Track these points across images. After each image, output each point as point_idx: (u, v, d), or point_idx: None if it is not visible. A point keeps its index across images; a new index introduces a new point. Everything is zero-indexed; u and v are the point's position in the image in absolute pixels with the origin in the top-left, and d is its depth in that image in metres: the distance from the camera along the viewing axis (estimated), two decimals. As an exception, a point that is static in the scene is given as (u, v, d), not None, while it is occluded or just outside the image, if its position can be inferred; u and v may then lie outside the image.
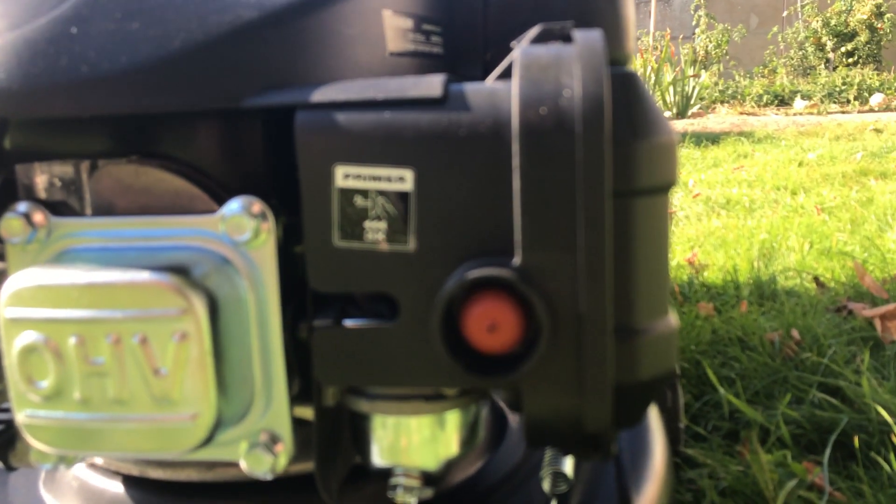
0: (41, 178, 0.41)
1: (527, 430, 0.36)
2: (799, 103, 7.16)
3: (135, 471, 0.54)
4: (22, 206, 0.38)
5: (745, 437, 0.96)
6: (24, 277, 0.35)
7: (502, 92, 0.34)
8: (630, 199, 0.33)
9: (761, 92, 7.80)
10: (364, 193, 0.35)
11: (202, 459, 0.44)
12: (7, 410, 0.51)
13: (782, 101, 7.67)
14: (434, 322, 0.34)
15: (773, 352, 1.21)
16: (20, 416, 0.36)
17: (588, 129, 0.31)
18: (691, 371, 1.18)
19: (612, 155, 0.32)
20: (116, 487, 0.55)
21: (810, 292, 1.56)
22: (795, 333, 1.26)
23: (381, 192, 0.34)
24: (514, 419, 0.67)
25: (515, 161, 0.32)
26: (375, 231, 0.35)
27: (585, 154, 0.31)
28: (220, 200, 0.41)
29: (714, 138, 4.51)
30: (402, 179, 0.34)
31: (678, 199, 2.69)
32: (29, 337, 0.35)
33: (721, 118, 6.21)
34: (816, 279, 1.62)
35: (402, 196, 0.34)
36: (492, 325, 0.33)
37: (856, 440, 0.91)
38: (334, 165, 0.34)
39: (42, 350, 0.35)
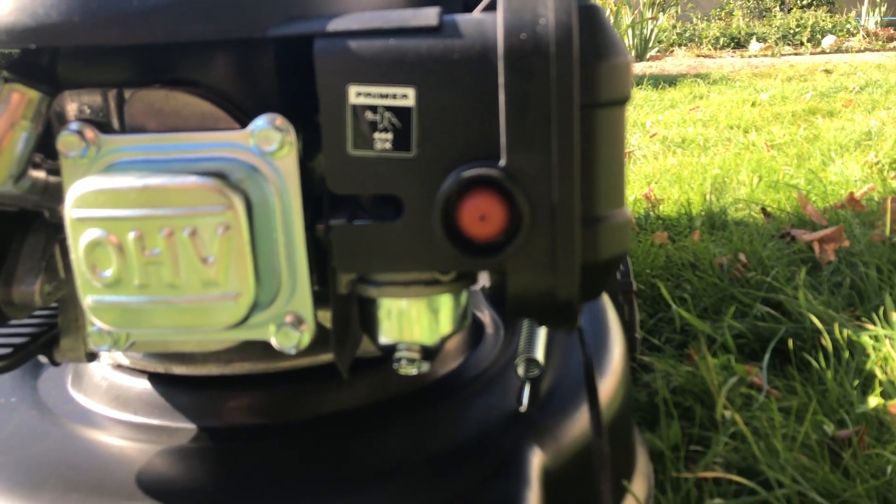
0: (84, 103, 0.47)
1: (509, 303, 0.44)
2: (754, 45, 7.27)
3: (160, 368, 0.61)
4: (74, 125, 0.44)
5: (693, 346, 1.06)
6: (89, 183, 0.41)
7: (488, 21, 0.41)
8: (593, 110, 0.40)
9: (718, 35, 7.89)
10: (373, 109, 0.41)
11: (236, 340, 0.51)
12: (53, 314, 0.57)
13: (738, 43, 7.78)
14: (436, 214, 0.41)
15: (722, 273, 1.31)
16: (86, 301, 0.43)
17: (560, 51, 0.38)
18: (647, 292, 1.28)
19: (579, 73, 0.39)
20: (142, 384, 0.62)
21: (758, 222, 1.68)
22: (742, 257, 1.37)
23: (388, 108, 0.41)
24: (489, 326, 0.76)
25: (500, 79, 0.39)
26: (383, 141, 0.42)
27: (558, 72, 0.38)
28: (241, 121, 0.47)
29: (671, 80, 4.60)
30: (406, 96, 0.41)
31: (636, 139, 2.78)
32: (93, 234, 0.42)
33: (678, 61, 6.29)
34: (764, 210, 1.73)
35: (406, 111, 0.41)
36: (482, 216, 0.41)
37: (790, 342, 1.02)
38: (348, 85, 0.41)
39: (105, 244, 0.42)
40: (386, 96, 0.41)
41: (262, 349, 0.60)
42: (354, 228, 0.43)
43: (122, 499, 0.51)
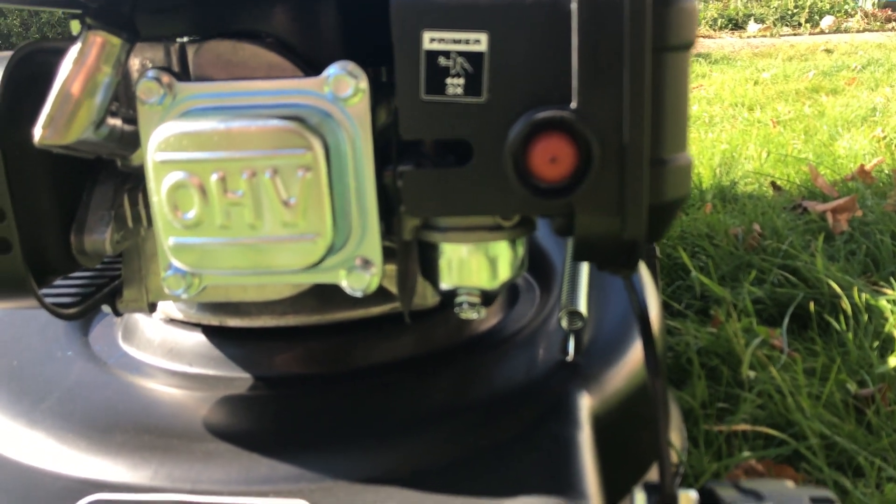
0: (155, 55, 0.48)
1: (576, 245, 0.45)
2: (752, 26, 7.26)
3: (214, 321, 0.63)
4: (152, 72, 0.45)
5: (715, 311, 1.08)
6: (172, 127, 0.43)
7: (560, -32, 0.42)
8: (662, 53, 0.42)
9: (716, 15, 7.88)
10: (446, 54, 0.43)
11: (308, 283, 0.52)
12: (116, 265, 0.59)
13: (736, 24, 7.77)
14: (507, 157, 0.43)
15: (738, 243, 1.33)
16: (167, 242, 0.45)
17: (633, -5, 0.39)
18: (665, 262, 1.30)
19: (651, 17, 0.40)
20: (196, 337, 0.64)
21: (768, 195, 1.69)
22: (757, 227, 1.39)
23: (461, 53, 0.43)
24: (523, 286, 0.78)
25: (574, 23, 0.40)
26: (455, 86, 0.43)
27: (631, 15, 0.40)
28: (305, 71, 0.48)
29: (672, 60, 4.59)
30: (478, 41, 0.42)
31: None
32: (176, 176, 0.43)
33: (678, 41, 6.27)
34: (773, 183, 1.75)
35: (478, 56, 0.43)
36: (553, 158, 0.42)
37: (811, 305, 1.04)
38: (422, 31, 0.42)
39: (188, 186, 0.43)
40: (459, 41, 0.42)
41: (313, 302, 0.61)
42: (425, 173, 0.45)
43: (191, 441, 0.52)
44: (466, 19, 0.42)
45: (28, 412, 0.56)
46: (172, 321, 0.65)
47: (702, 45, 5.82)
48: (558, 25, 0.41)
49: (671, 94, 0.43)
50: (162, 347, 0.65)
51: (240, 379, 0.61)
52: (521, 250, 0.52)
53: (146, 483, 0.49)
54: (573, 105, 0.42)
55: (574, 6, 0.40)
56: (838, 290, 1.07)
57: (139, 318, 0.67)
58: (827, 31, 6.70)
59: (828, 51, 4.76)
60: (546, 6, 0.41)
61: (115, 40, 0.43)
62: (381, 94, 0.49)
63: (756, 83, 3.51)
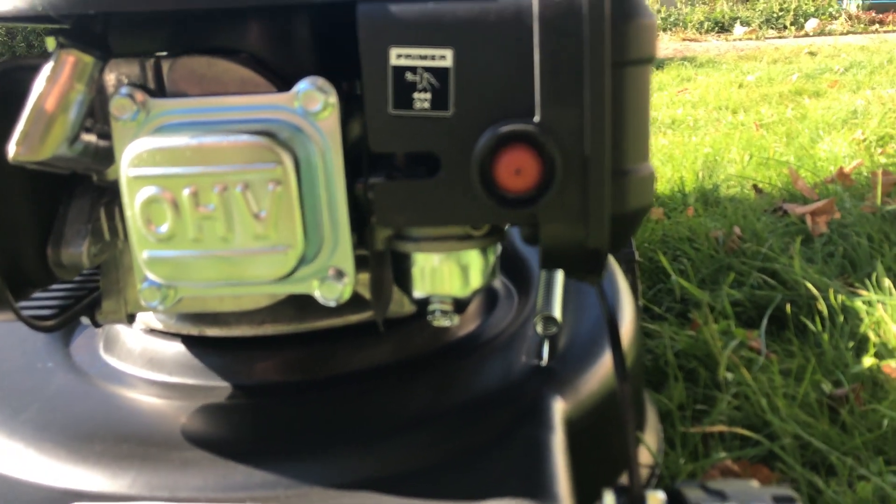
0: (130, 70, 0.49)
1: (542, 254, 0.46)
2: (738, 29, 7.32)
3: (193, 331, 0.63)
4: (125, 89, 0.46)
5: (694, 314, 1.10)
6: (145, 143, 0.44)
7: (522, -15, 0.43)
8: (622, 68, 0.43)
9: (702, 19, 7.94)
10: (413, 70, 0.44)
11: (281, 294, 0.53)
12: (94, 278, 0.59)
13: (722, 27, 7.83)
14: (474, 169, 0.44)
15: (718, 246, 1.35)
16: (141, 256, 0.45)
17: (592, 12, 0.41)
18: (646, 265, 1.31)
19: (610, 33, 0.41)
20: (175, 347, 0.64)
21: (750, 198, 1.71)
22: (737, 230, 1.40)
23: (427, 69, 0.44)
24: (502, 292, 0.79)
25: (535, 39, 0.42)
26: (422, 101, 0.44)
27: (591, 32, 0.41)
28: (278, 86, 0.49)
29: (658, 64, 4.63)
30: (444, 57, 0.44)
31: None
32: (149, 191, 0.44)
33: (664, 44, 6.33)
34: (755, 186, 1.77)
35: (444, 71, 0.44)
36: (518, 170, 0.44)
37: (788, 307, 1.06)
38: (389, 47, 0.43)
39: (161, 201, 0.44)
40: (425, 57, 0.44)
41: (291, 311, 0.62)
42: (395, 185, 0.46)
43: (169, 449, 0.53)
44: (432, 36, 0.43)
45: (7, 422, 0.56)
46: (153, 331, 0.66)
47: (687, 48, 5.86)
48: (521, 41, 0.43)
49: (631, 107, 0.44)
50: (142, 357, 0.65)
51: (219, 387, 0.61)
52: (491, 258, 0.53)
53: (125, 491, 0.50)
54: (536, 118, 0.43)
55: (535, 23, 0.42)
56: (815, 291, 1.09)
57: (120, 329, 0.68)
58: (811, 33, 6.77)
59: (811, 53, 4.80)
60: (508, 23, 0.43)
61: (88, 58, 0.44)
62: (352, 107, 0.50)
63: (740, 86, 3.54)
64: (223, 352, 0.63)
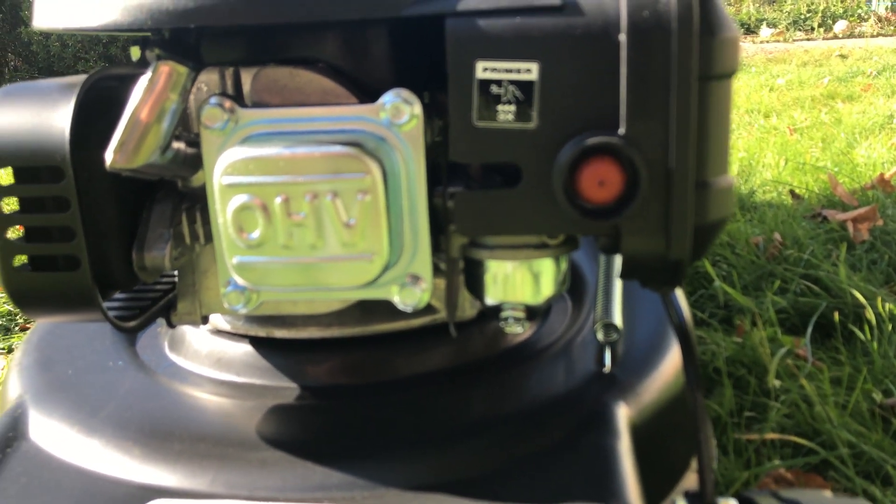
0: (209, 80, 0.51)
1: (623, 265, 0.47)
2: (765, 31, 7.26)
3: (261, 332, 0.65)
4: (215, 98, 0.47)
5: (739, 321, 1.10)
6: (238, 152, 0.45)
7: (608, 1, 0.44)
8: (707, 82, 0.43)
9: (729, 20, 7.87)
10: (498, 83, 0.45)
11: (361, 298, 0.54)
12: (170, 279, 0.61)
13: (749, 29, 7.77)
14: (557, 180, 0.45)
15: (759, 252, 1.34)
16: (231, 261, 0.47)
17: (681, 26, 0.41)
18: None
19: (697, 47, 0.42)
20: (243, 348, 0.66)
21: (787, 203, 1.71)
22: (777, 236, 1.40)
23: (512, 82, 0.45)
24: (557, 301, 0.79)
25: (623, 53, 0.42)
26: (506, 113, 0.45)
27: (679, 46, 0.42)
28: (358, 97, 0.50)
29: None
30: (529, 71, 0.44)
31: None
32: (242, 199, 0.45)
33: (691, 46, 6.28)
34: (792, 192, 1.76)
35: (529, 84, 0.45)
36: (601, 181, 0.44)
37: (836, 315, 1.05)
38: (476, 61, 0.44)
39: (253, 208, 0.45)
40: (511, 70, 0.44)
41: (357, 314, 0.63)
42: (476, 195, 0.47)
43: (245, 449, 0.54)
44: (518, 50, 0.44)
45: (87, 420, 0.58)
46: (219, 332, 0.67)
47: (715, 50, 5.82)
48: (607, 55, 0.43)
49: (715, 121, 0.45)
50: (209, 358, 0.67)
51: (287, 388, 0.63)
52: (563, 267, 0.54)
53: (205, 489, 0.51)
54: (621, 131, 0.44)
55: (623, 37, 0.42)
56: (862, 299, 1.09)
57: (186, 329, 0.70)
58: (840, 35, 6.69)
59: (842, 56, 4.75)
60: (595, 37, 0.43)
61: (182, 69, 0.46)
62: (429, 116, 0.51)
63: (771, 89, 3.51)
64: (291, 353, 0.65)
